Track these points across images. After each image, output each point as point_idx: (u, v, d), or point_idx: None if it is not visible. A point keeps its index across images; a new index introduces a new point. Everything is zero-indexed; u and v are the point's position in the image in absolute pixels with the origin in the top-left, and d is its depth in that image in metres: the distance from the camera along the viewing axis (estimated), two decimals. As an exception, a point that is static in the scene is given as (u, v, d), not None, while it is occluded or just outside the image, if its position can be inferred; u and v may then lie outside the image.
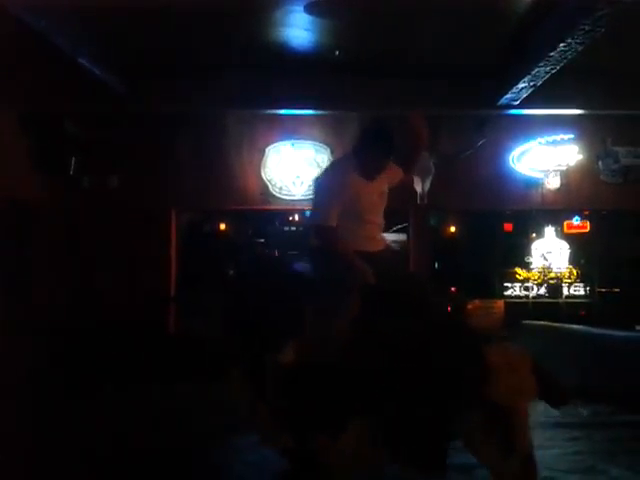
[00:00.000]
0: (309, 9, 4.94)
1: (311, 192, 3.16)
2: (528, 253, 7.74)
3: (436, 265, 7.82)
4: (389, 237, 8.03)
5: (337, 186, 2.96)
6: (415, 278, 3.70)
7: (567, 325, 6.42)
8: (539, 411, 4.92)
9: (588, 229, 7.76)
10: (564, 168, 7.41)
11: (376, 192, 3.07)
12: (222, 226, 7.74)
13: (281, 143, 7.44)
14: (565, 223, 7.76)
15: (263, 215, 8.47)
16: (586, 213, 7.79)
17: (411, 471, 2.60)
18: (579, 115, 7.13)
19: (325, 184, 3.11)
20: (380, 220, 3.16)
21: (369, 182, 3.02)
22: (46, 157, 5.83)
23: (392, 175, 3.19)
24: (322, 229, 2.96)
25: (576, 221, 7.75)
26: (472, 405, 2.38)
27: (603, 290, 7.79)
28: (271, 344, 2.60)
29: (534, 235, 7.80)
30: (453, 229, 7.85)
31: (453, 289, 7.49)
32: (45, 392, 5.06)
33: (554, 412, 4.85)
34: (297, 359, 2.59)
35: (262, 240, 8.79)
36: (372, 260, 2.85)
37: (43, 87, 5.81)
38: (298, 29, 5.42)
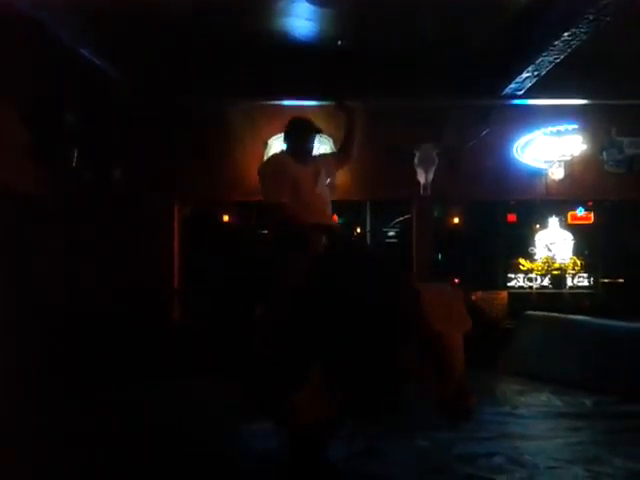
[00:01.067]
0: (311, -1, 4.93)
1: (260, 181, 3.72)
2: (532, 244, 7.71)
3: (439, 256, 7.81)
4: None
5: (279, 169, 3.59)
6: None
7: (571, 316, 6.42)
8: (541, 401, 4.95)
9: (592, 220, 7.73)
10: (568, 158, 7.37)
11: (311, 173, 3.66)
12: (225, 218, 7.74)
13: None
14: (569, 214, 7.73)
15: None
16: (590, 204, 7.76)
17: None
18: (583, 105, 7.09)
19: (269, 169, 3.69)
20: (326, 196, 3.72)
21: (303, 165, 3.65)
22: (47, 150, 5.80)
23: (326, 163, 3.90)
24: (277, 206, 3.49)
25: (580, 212, 7.72)
26: (411, 336, 2.67)
27: (607, 281, 7.76)
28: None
29: (538, 226, 7.76)
30: (456, 220, 7.81)
31: (456, 280, 7.47)
32: (46, 392, 5.05)
33: (556, 402, 4.88)
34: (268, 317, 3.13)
35: (266, 231, 8.75)
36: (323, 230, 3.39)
37: (44, 78, 5.80)
38: (300, 19, 5.41)
